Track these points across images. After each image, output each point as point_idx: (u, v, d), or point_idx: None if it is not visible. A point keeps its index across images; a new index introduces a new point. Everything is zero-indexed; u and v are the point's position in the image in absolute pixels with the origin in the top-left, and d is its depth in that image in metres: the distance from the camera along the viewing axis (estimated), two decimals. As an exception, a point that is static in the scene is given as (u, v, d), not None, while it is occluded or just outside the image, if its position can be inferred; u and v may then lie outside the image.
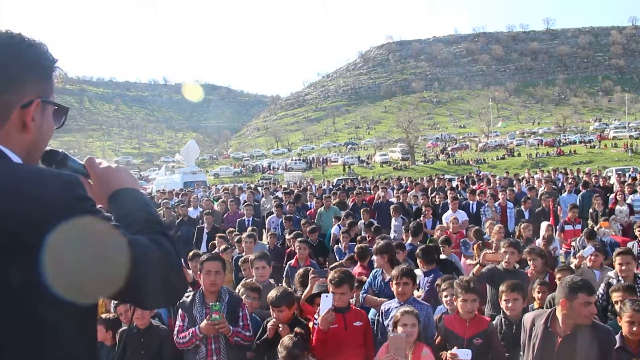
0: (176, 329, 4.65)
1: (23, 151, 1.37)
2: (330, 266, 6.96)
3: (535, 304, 5.24)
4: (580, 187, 14.40)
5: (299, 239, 8.07)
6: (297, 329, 4.20)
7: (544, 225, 9.45)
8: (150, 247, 1.33)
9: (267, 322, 4.61)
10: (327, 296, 4.32)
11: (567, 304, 3.62)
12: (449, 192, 14.20)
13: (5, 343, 1.18)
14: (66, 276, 1.19)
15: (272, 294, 4.63)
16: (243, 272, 7.07)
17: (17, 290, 1.17)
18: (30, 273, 1.16)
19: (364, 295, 5.72)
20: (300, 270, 5.92)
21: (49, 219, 1.18)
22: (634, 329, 3.98)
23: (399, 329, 4.13)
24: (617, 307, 4.47)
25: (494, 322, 4.68)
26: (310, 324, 4.49)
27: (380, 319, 5.00)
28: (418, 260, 6.36)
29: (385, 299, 5.41)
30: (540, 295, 5.23)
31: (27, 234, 1.16)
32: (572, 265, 6.82)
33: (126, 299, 1.48)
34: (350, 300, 4.81)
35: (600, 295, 5.29)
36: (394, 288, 4.94)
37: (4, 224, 1.16)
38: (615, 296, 4.67)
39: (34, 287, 1.17)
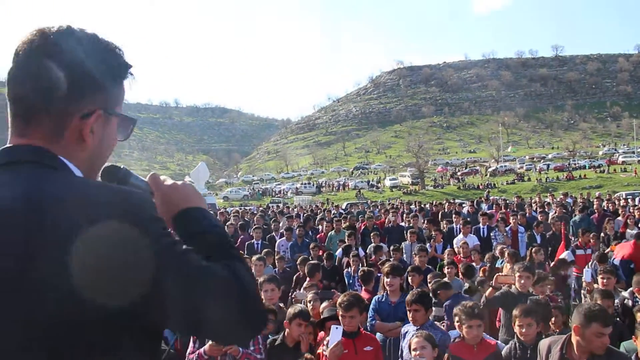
0: (188, 350, 4.56)
1: (83, 165, 1.26)
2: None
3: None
4: (577, 212, 14.23)
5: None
6: (307, 355, 4.13)
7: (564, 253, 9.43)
8: (225, 276, 1.18)
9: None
10: (337, 328, 4.15)
11: (580, 330, 3.55)
12: (454, 217, 13.83)
13: None
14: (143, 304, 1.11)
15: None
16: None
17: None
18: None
19: (373, 322, 5.58)
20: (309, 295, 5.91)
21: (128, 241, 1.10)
22: None
23: (413, 354, 4.07)
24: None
25: (507, 346, 4.58)
26: (319, 350, 4.41)
27: (400, 341, 4.95)
28: None
29: (396, 323, 5.36)
30: (554, 319, 5.13)
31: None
32: (585, 291, 6.73)
33: (198, 334, 1.33)
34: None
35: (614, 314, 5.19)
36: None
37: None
38: None
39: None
